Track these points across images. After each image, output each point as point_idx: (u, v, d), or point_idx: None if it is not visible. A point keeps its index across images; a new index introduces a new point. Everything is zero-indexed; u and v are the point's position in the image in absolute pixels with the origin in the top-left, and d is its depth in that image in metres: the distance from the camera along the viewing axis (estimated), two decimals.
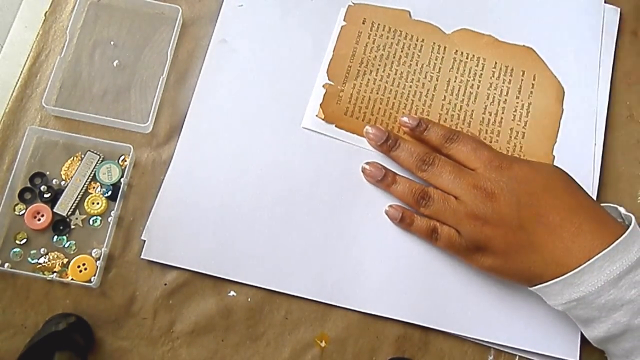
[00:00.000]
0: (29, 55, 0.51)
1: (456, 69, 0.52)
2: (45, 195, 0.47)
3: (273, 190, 0.48)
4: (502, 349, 0.47)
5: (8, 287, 0.46)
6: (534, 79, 0.52)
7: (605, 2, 0.55)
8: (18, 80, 0.50)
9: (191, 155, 0.49)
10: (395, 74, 0.52)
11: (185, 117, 0.50)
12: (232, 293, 0.47)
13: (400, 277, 0.47)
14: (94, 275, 0.46)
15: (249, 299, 0.47)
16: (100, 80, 0.51)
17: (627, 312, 0.40)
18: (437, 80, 0.52)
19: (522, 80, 0.52)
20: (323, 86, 0.51)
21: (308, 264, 0.47)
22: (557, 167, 0.46)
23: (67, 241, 0.47)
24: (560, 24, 0.54)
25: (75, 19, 0.51)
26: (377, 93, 0.51)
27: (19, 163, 0.47)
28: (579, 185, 0.45)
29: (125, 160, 0.49)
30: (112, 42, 0.52)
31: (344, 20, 0.53)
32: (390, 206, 0.48)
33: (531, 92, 0.52)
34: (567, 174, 0.45)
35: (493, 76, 0.52)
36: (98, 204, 0.47)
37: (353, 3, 0.53)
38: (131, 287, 0.46)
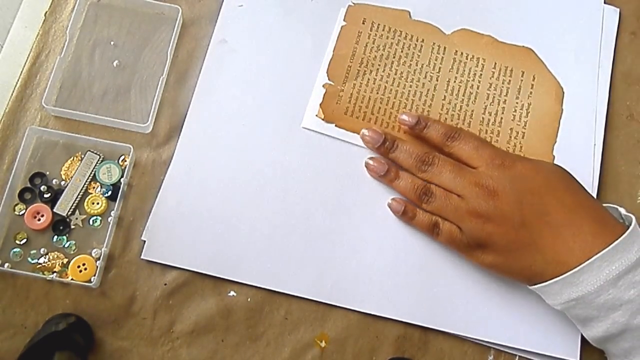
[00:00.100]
0: (29, 55, 0.51)
1: (456, 69, 0.52)
2: (45, 195, 0.47)
3: (273, 190, 0.48)
4: (502, 349, 0.47)
5: (8, 287, 0.46)
6: (533, 79, 0.52)
7: (604, 2, 0.55)
8: (18, 80, 0.50)
9: (191, 155, 0.49)
10: (395, 74, 0.52)
11: (185, 117, 0.50)
12: (232, 293, 0.47)
13: (400, 277, 0.47)
14: (94, 275, 0.46)
15: (249, 299, 0.47)
16: (100, 80, 0.51)
17: (625, 312, 0.40)
18: (437, 80, 0.52)
19: (522, 80, 0.52)
20: (323, 86, 0.51)
21: (308, 264, 0.47)
22: (558, 165, 0.46)
23: (67, 241, 0.47)
24: (559, 25, 0.54)
25: (75, 19, 0.51)
26: (377, 93, 0.51)
27: (19, 163, 0.47)
28: (580, 184, 0.45)
29: (125, 160, 0.49)
30: (112, 42, 0.52)
31: (344, 20, 0.53)
32: (393, 199, 0.48)
33: (531, 93, 0.52)
34: (568, 172, 0.45)
35: (493, 76, 0.52)
36: (98, 204, 0.47)
37: (353, 3, 0.53)
38: (131, 287, 0.46)
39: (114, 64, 0.51)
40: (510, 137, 0.51)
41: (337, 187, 0.49)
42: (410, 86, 0.51)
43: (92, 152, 0.49)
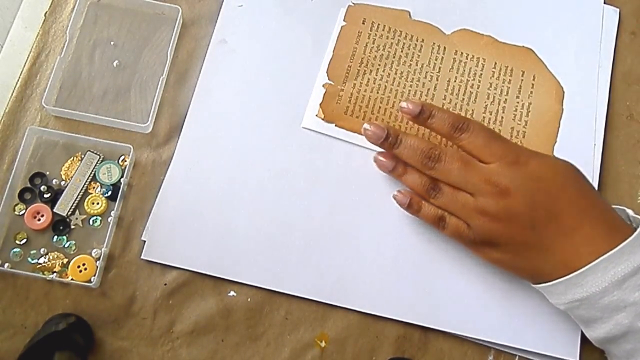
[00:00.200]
0: (29, 55, 0.51)
1: (456, 69, 0.52)
2: (45, 195, 0.47)
3: (273, 190, 0.48)
4: (502, 349, 0.47)
5: (8, 287, 0.46)
6: (533, 79, 0.52)
7: (604, 2, 0.55)
8: (18, 80, 0.50)
9: (191, 155, 0.49)
10: (395, 73, 0.52)
11: (185, 117, 0.50)
12: (232, 293, 0.47)
13: (400, 277, 0.47)
14: (94, 275, 0.46)
15: (249, 299, 0.47)
16: (100, 80, 0.51)
17: (629, 314, 0.39)
18: (437, 80, 0.52)
19: (522, 80, 0.52)
20: (323, 86, 0.51)
21: (308, 264, 0.47)
22: (571, 164, 0.44)
23: (67, 241, 0.47)
24: (559, 25, 0.55)
25: (75, 19, 0.51)
26: (377, 92, 0.51)
27: (19, 163, 0.47)
28: (590, 183, 0.44)
29: (125, 161, 0.49)
30: (112, 42, 0.52)
31: (344, 20, 0.53)
32: (399, 191, 0.46)
33: (531, 92, 0.52)
34: (580, 172, 0.44)
35: (493, 76, 0.52)
36: (98, 204, 0.47)
37: (353, 3, 0.53)
38: (131, 287, 0.46)
39: (114, 64, 0.51)
40: (511, 136, 0.51)
41: (337, 187, 0.49)
42: (411, 86, 0.51)
43: (92, 152, 0.49)
